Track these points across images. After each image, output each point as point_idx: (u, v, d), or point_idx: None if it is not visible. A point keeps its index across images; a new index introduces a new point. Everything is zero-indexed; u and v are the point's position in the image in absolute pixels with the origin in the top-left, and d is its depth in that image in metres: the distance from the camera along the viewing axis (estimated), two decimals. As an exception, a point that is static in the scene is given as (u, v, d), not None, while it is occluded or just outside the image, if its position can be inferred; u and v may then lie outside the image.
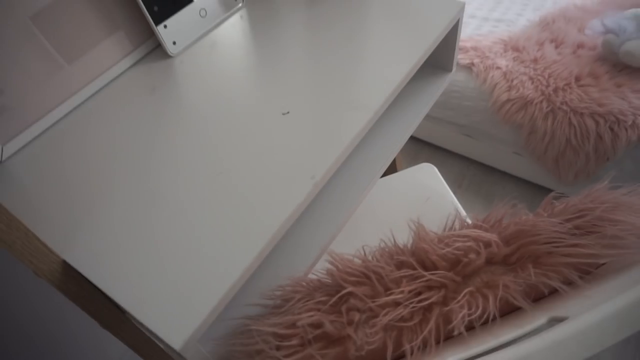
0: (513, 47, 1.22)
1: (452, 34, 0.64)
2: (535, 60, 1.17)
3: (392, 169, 0.97)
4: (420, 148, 1.47)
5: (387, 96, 0.50)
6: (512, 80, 1.14)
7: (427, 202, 0.74)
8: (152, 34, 0.61)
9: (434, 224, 0.45)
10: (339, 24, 0.61)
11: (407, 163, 1.43)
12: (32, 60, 0.52)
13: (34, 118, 0.54)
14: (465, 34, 1.32)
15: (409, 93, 0.67)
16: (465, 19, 1.40)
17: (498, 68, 1.17)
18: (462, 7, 0.61)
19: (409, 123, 0.63)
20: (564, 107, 1.06)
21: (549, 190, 1.26)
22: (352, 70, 0.54)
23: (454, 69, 0.70)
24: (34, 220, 0.44)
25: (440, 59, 0.69)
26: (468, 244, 0.39)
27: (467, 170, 1.38)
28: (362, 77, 0.53)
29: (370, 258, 0.42)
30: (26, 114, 0.53)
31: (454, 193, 1.33)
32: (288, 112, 0.50)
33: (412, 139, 1.48)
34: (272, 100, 0.52)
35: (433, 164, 1.41)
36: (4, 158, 0.53)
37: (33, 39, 0.51)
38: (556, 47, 1.21)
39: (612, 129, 1.02)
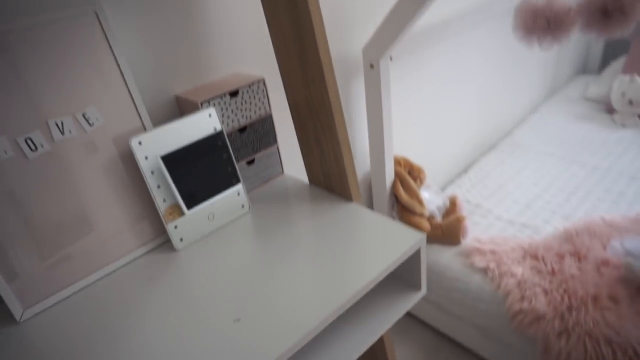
0: (532, 255, 1.24)
1: (415, 259, 0.71)
2: (552, 273, 1.17)
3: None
4: (441, 343, 1.42)
5: (324, 317, 0.57)
6: (525, 291, 1.13)
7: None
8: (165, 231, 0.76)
9: None
10: (319, 238, 0.72)
11: (427, 358, 1.38)
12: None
13: (61, 286, 0.67)
14: (487, 236, 1.37)
15: (373, 305, 0.72)
16: (491, 220, 1.47)
17: (513, 275, 1.18)
18: (421, 239, 0.69)
19: (369, 335, 0.68)
20: (577, 329, 1.02)
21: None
22: (304, 285, 0.62)
23: (424, 289, 0.75)
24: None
25: (409, 277, 0.75)
26: None
27: (488, 377, 1.29)
28: (308, 294, 0.61)
29: None
30: (57, 281, 0.67)
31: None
32: (239, 319, 0.59)
33: (434, 331, 1.45)
34: (232, 303, 0.61)
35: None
36: (22, 319, 0.65)
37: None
38: (578, 261, 1.21)
39: (630, 362, 0.95)
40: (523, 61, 2.02)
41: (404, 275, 0.76)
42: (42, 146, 0.63)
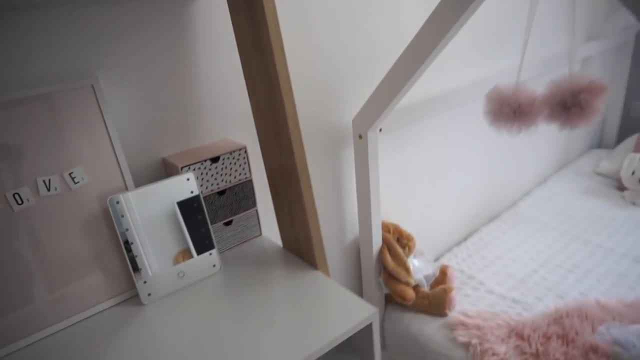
0: (518, 334, 1.21)
1: (368, 334, 0.72)
2: (536, 355, 1.14)
3: None
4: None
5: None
6: (505, 372, 1.10)
7: None
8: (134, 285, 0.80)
9: None
10: (280, 303, 0.74)
11: None
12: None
13: (28, 333, 0.72)
14: (475, 310, 1.34)
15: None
16: (482, 293, 1.45)
17: (494, 354, 1.15)
18: (373, 314, 0.71)
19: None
20: (555, 419, 0.98)
21: None
22: (255, 349, 0.64)
23: (377, 363, 0.76)
24: None
25: (365, 352, 0.76)
26: None
27: None
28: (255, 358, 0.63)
29: None
30: (26, 328, 0.72)
31: None
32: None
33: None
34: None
35: None
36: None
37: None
38: (565, 344, 1.17)
39: None
40: (534, 134, 2.04)
41: (360, 348, 0.77)
42: (28, 200, 0.70)
